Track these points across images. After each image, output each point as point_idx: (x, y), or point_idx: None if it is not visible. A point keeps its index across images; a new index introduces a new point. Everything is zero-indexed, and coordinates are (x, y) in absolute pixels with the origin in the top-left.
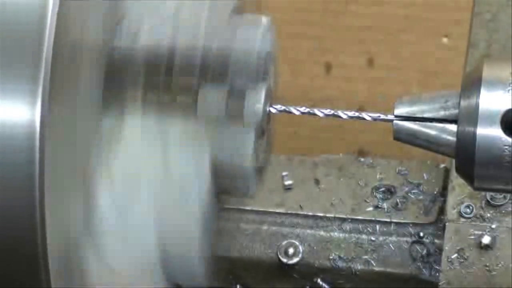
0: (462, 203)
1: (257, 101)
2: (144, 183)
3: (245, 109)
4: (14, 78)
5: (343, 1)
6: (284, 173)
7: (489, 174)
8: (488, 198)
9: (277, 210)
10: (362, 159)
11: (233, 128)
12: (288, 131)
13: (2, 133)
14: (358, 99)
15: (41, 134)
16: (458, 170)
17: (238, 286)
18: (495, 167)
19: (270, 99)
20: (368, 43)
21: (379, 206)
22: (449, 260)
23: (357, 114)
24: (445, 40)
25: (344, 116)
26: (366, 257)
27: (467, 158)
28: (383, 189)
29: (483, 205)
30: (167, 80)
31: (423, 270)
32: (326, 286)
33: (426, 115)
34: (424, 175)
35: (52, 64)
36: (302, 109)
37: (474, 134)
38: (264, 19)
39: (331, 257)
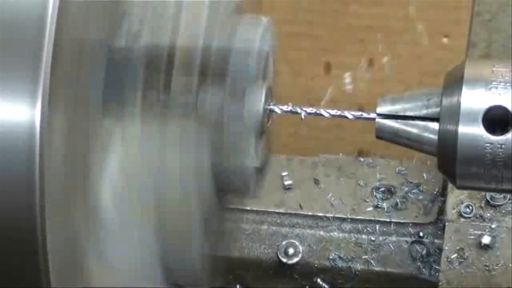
0: (462, 203)
1: (257, 101)
2: (144, 183)
3: (245, 109)
4: (14, 78)
5: (343, 1)
6: (284, 173)
7: (471, 172)
8: (488, 198)
9: (277, 210)
10: (362, 159)
11: (233, 128)
12: (288, 131)
13: (2, 133)
14: (358, 99)
15: (41, 134)
16: (440, 168)
17: (238, 286)
18: (477, 165)
19: (270, 99)
20: (368, 43)
21: (379, 206)
22: (448, 260)
23: (339, 112)
24: (445, 40)
25: (326, 115)
26: (366, 257)
27: (449, 156)
28: (383, 189)
29: (483, 205)
30: (167, 80)
31: (423, 270)
32: (326, 286)
33: (408, 113)
34: (424, 175)
35: (52, 64)
36: (284, 107)
37: (456, 132)
38: (264, 19)
39: (330, 257)
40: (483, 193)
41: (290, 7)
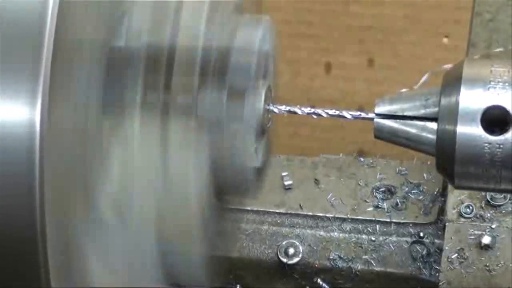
0: (462, 203)
1: (257, 101)
2: (144, 183)
3: (245, 109)
4: (14, 78)
5: (343, 1)
6: (284, 173)
7: (470, 172)
8: (488, 198)
9: (277, 210)
10: (362, 159)
11: (233, 128)
12: (288, 131)
13: (2, 133)
14: (358, 99)
15: (41, 134)
16: (438, 168)
17: (238, 286)
18: (476, 165)
19: (270, 99)
20: (368, 43)
21: (379, 206)
22: (449, 260)
23: (337, 112)
24: (445, 40)
25: (325, 115)
26: (366, 257)
27: (447, 156)
28: (383, 189)
29: (483, 205)
30: (167, 80)
31: (423, 270)
32: (326, 286)
33: (406, 113)
34: (424, 175)
35: (52, 64)
36: (284, 107)
37: (454, 132)
38: (264, 19)
39: (331, 257)
40: (483, 193)
41: (290, 7)
